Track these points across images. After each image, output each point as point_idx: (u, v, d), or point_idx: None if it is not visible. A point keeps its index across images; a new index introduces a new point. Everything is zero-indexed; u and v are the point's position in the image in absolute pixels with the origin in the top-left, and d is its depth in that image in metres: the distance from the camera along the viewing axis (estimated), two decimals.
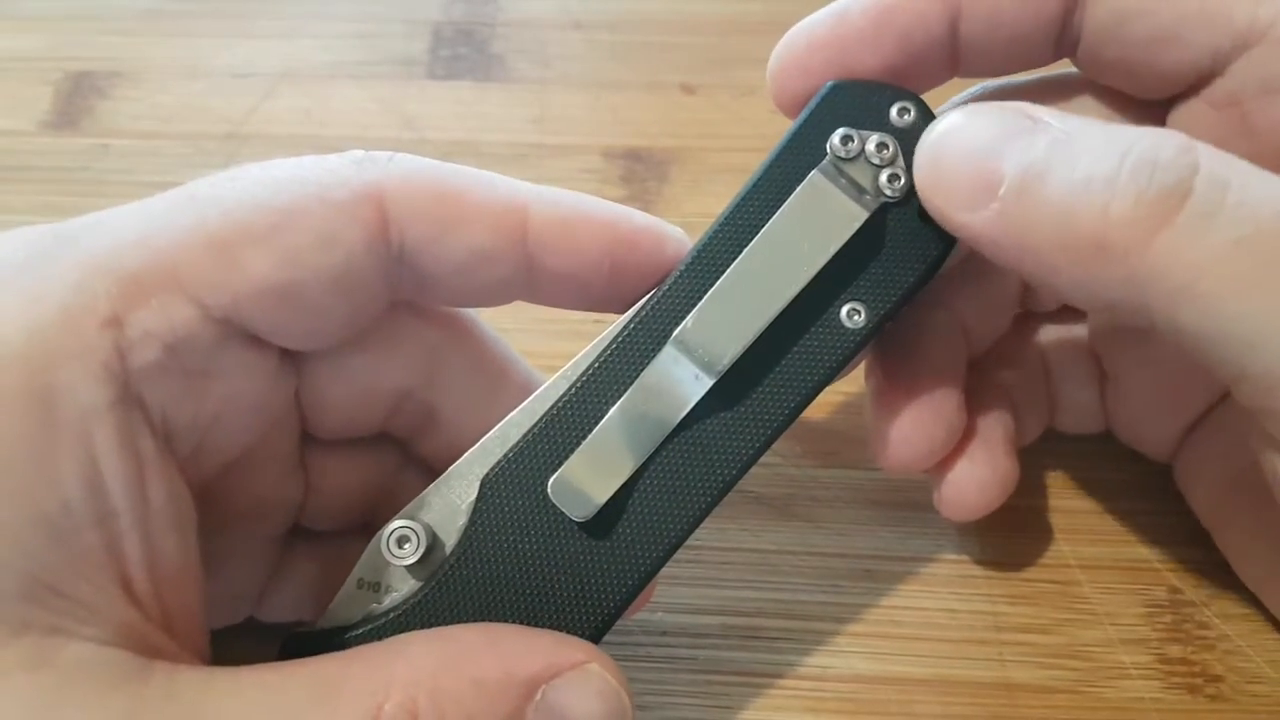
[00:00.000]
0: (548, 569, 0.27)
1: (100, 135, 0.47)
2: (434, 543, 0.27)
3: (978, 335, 0.33)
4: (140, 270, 0.24)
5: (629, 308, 0.28)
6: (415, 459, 0.31)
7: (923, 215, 0.27)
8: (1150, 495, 0.36)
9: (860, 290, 0.27)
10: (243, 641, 0.29)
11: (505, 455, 0.27)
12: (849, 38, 0.28)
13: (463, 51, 0.50)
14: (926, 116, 0.27)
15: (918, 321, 0.31)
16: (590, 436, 0.27)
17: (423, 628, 0.26)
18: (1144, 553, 0.35)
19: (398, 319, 0.29)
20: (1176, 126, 0.29)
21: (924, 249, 0.27)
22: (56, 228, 0.25)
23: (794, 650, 0.33)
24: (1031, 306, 0.34)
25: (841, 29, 0.28)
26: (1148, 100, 0.29)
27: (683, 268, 0.27)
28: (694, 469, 0.27)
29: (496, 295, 0.28)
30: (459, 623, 0.27)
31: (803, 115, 0.28)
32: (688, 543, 0.28)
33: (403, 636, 0.25)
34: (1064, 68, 0.30)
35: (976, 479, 0.32)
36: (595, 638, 0.27)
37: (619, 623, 0.28)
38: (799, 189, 0.27)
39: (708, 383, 0.27)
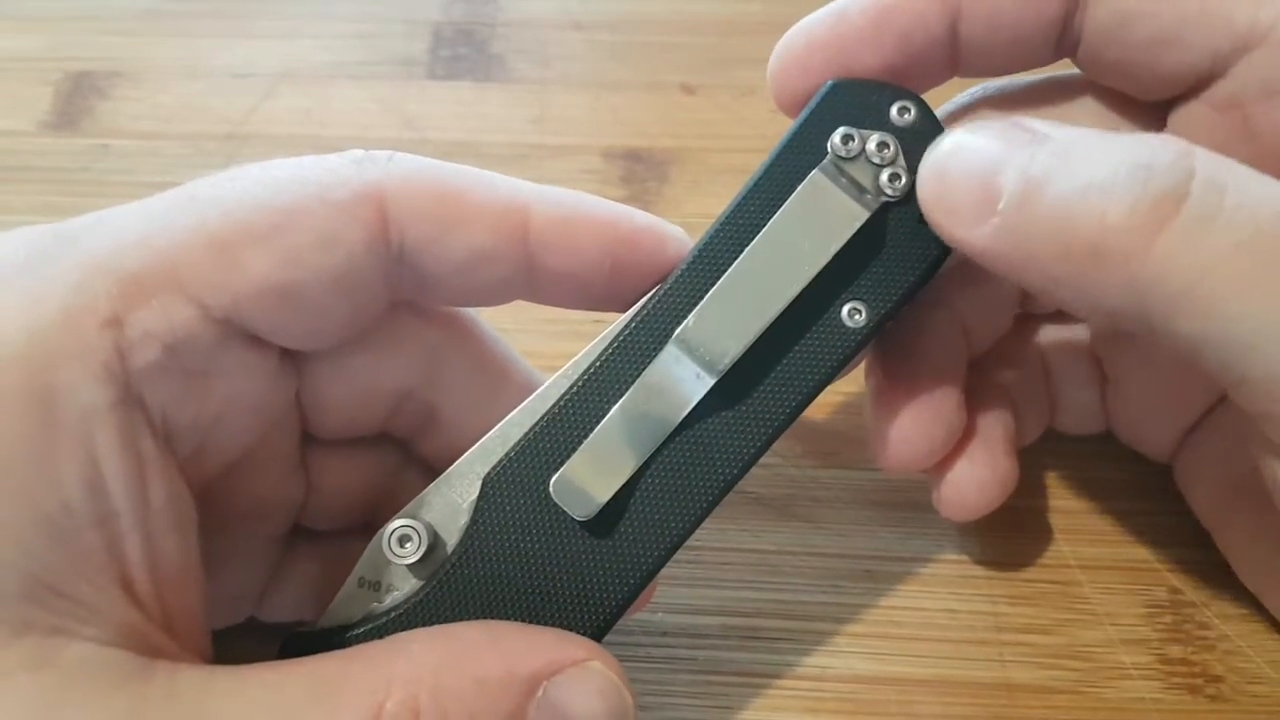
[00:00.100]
0: (549, 568, 0.27)
1: (100, 135, 0.47)
2: (435, 541, 0.27)
3: (978, 335, 0.33)
4: (141, 270, 0.24)
5: (629, 307, 0.28)
6: (416, 459, 0.31)
7: (923, 215, 0.27)
8: (1150, 495, 0.36)
9: (861, 290, 0.27)
10: (243, 641, 0.29)
11: (507, 454, 0.27)
12: (849, 37, 0.28)
13: (463, 51, 0.50)
14: (927, 116, 0.27)
15: (918, 321, 0.31)
16: (592, 435, 0.27)
17: (424, 626, 0.26)
18: (1144, 553, 0.35)
19: (398, 319, 0.29)
20: (1177, 128, 0.29)
21: (925, 248, 0.27)
22: (57, 228, 0.25)
23: (794, 650, 0.33)
24: (1032, 307, 0.34)
25: (841, 28, 0.28)
26: (1149, 101, 0.29)
27: (684, 267, 0.27)
28: (695, 468, 0.27)
29: (497, 295, 0.28)
30: (460, 621, 0.27)
31: (803, 115, 0.28)
32: (688, 543, 0.28)
33: (404, 635, 0.25)
34: (1065, 68, 0.30)
35: (976, 479, 0.32)
36: (597, 637, 0.27)
37: (619, 623, 0.28)
38: (800, 188, 0.27)
39: (709, 382, 0.27)
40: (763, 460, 0.28)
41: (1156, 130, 0.30)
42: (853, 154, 0.27)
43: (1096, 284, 0.24)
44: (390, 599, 0.27)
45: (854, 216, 0.27)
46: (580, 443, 0.27)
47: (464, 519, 0.27)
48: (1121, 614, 0.34)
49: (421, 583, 0.27)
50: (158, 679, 0.22)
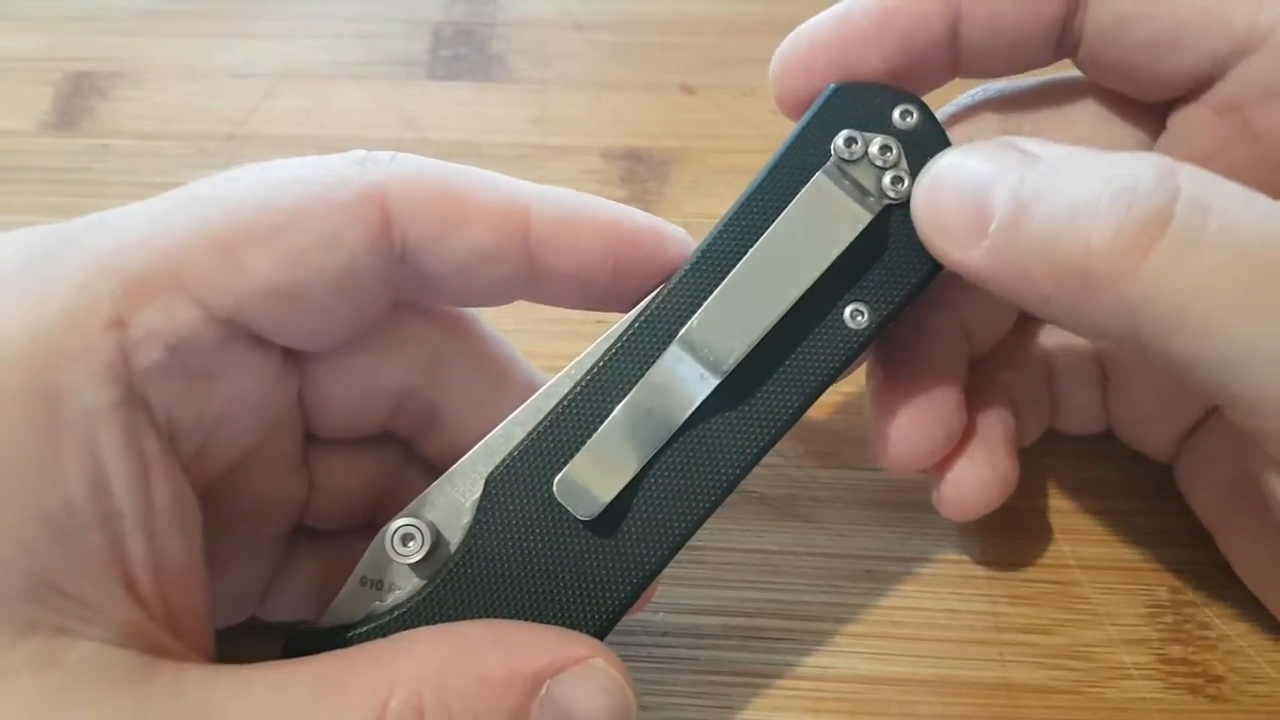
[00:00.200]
0: (552, 567, 0.27)
1: (100, 136, 0.47)
2: (438, 540, 0.27)
3: (980, 336, 0.33)
4: (144, 271, 0.24)
5: (631, 307, 0.28)
6: (418, 458, 0.31)
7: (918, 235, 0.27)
8: (1150, 495, 0.36)
9: (863, 291, 0.27)
10: (245, 642, 0.29)
11: (510, 453, 0.27)
12: (851, 39, 0.28)
13: (463, 51, 0.50)
14: (929, 119, 0.27)
15: (920, 322, 0.31)
16: (595, 435, 0.27)
17: (427, 625, 0.26)
18: (1144, 553, 0.35)
19: (400, 319, 0.29)
20: (1177, 130, 0.29)
21: (926, 251, 0.27)
22: (59, 228, 0.25)
23: (795, 650, 0.33)
24: None
25: (844, 30, 0.28)
26: (1149, 103, 0.29)
27: (687, 268, 0.27)
28: (698, 468, 0.27)
29: (499, 295, 0.28)
30: (463, 620, 0.27)
31: (806, 117, 0.28)
32: (689, 543, 0.28)
33: (408, 633, 0.25)
34: (1066, 68, 0.30)
35: (976, 479, 0.32)
36: (599, 636, 0.27)
37: (621, 622, 0.28)
38: (803, 191, 0.27)
39: (713, 382, 0.27)
40: (764, 460, 0.28)
41: (1156, 133, 0.30)
42: (855, 157, 0.27)
43: (1086, 305, 0.24)
44: (392, 598, 0.27)
45: (857, 219, 0.27)
46: (584, 442, 0.27)
47: (466, 518, 0.27)
48: (1122, 614, 0.34)
49: (424, 582, 0.27)
50: (162, 678, 0.22)
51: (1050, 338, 0.35)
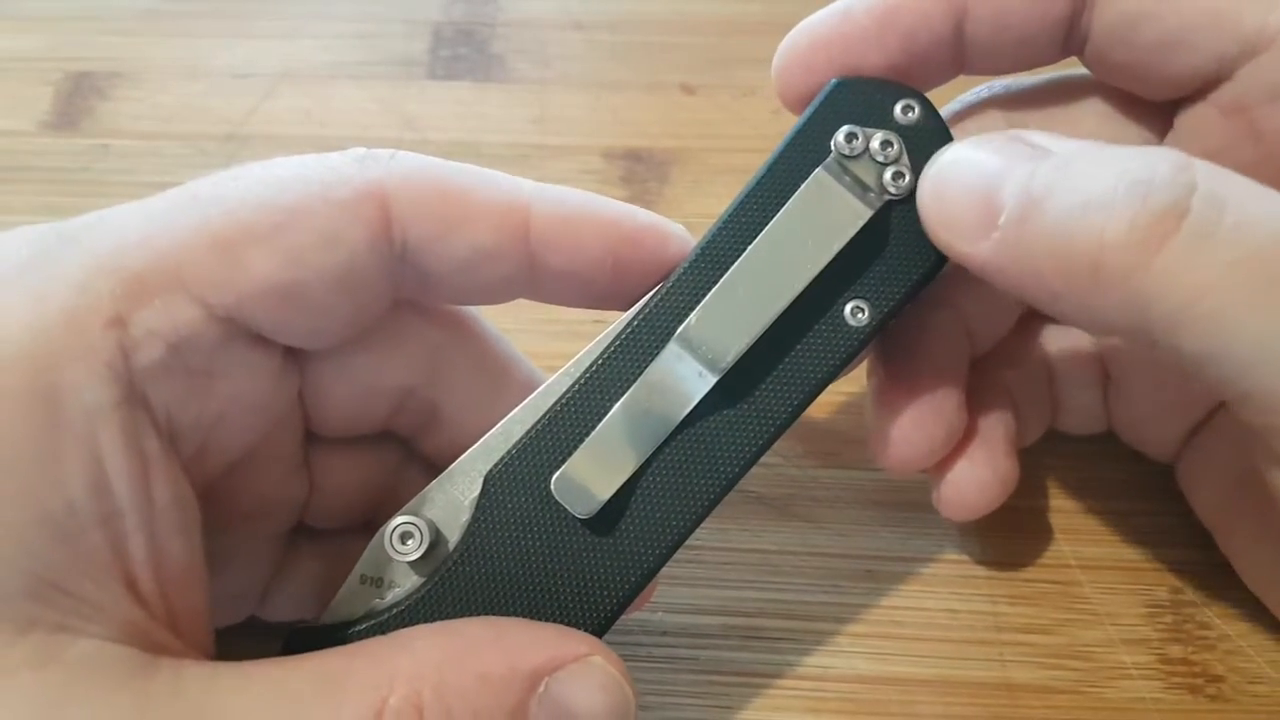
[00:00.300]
0: (550, 565, 0.27)
1: (100, 135, 0.47)
2: (437, 538, 0.27)
3: (981, 335, 0.33)
4: (144, 270, 0.24)
5: (631, 306, 0.28)
6: (418, 456, 0.31)
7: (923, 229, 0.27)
8: (1150, 495, 0.36)
9: (864, 288, 0.27)
10: (244, 641, 0.29)
11: (509, 451, 0.27)
12: (853, 36, 0.28)
13: (463, 51, 0.50)
14: (931, 115, 0.27)
15: (921, 321, 0.31)
16: (594, 433, 0.27)
17: (426, 623, 0.26)
18: (1144, 553, 0.35)
19: (400, 317, 0.29)
20: (1184, 129, 0.29)
21: (928, 247, 0.27)
22: (59, 226, 0.25)
23: (795, 650, 0.33)
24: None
25: (846, 27, 0.28)
26: (1156, 102, 0.29)
27: (686, 265, 0.27)
28: (697, 466, 0.27)
29: (499, 293, 0.28)
30: (462, 618, 0.27)
31: (807, 113, 0.28)
32: (688, 542, 0.28)
33: (407, 631, 0.25)
34: (1073, 66, 0.30)
35: (976, 479, 0.32)
36: (598, 634, 0.27)
37: (619, 622, 0.28)
38: (803, 186, 0.27)
39: (711, 380, 0.27)
40: (763, 460, 0.28)
41: (1163, 132, 0.30)
42: (856, 152, 0.27)
43: (1097, 300, 0.24)
44: (392, 596, 0.27)
45: (857, 215, 0.27)
46: (582, 441, 0.27)
47: (465, 516, 0.27)
48: (1122, 614, 0.34)
49: (423, 579, 0.27)
50: (162, 676, 0.22)
51: (1052, 338, 0.35)
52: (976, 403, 0.32)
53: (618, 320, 0.28)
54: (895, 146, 0.27)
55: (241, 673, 0.23)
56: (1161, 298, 0.23)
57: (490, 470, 0.27)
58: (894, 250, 0.27)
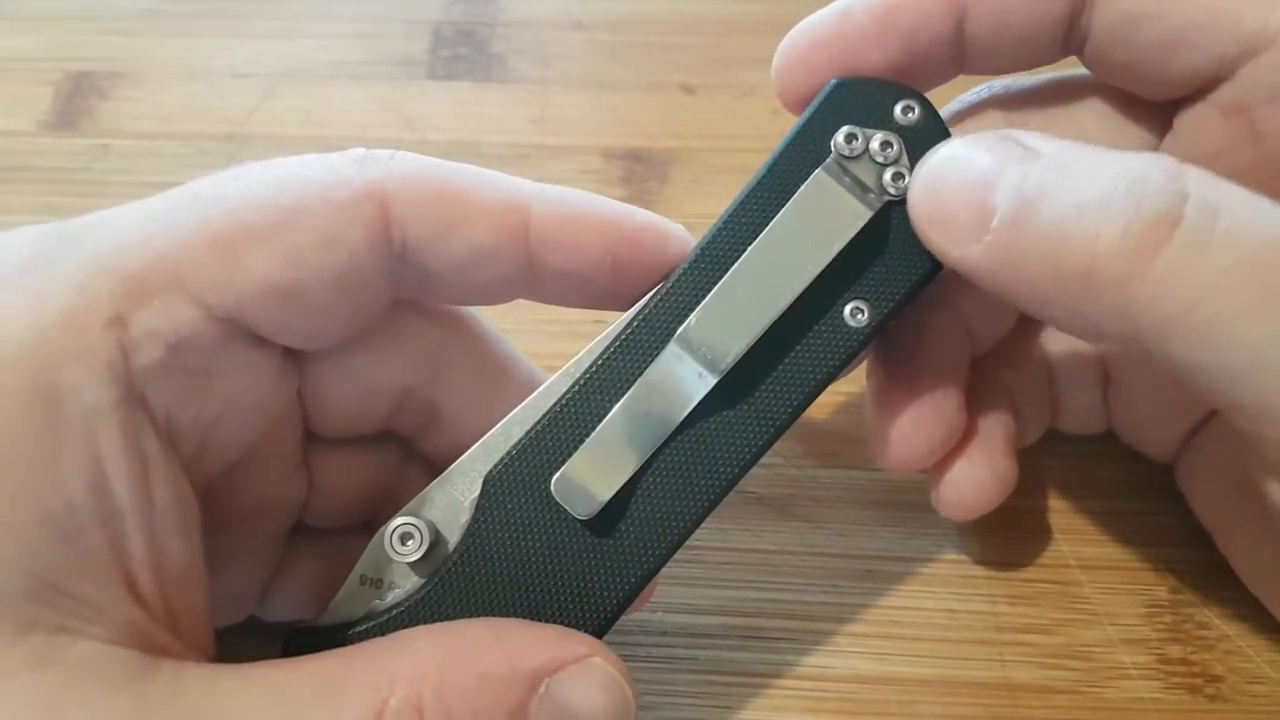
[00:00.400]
0: (550, 566, 0.27)
1: (100, 135, 0.47)
2: (437, 539, 0.27)
3: (981, 335, 0.33)
4: (143, 270, 0.24)
5: (631, 306, 0.28)
6: (418, 456, 0.31)
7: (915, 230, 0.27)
8: (1150, 495, 0.36)
9: (864, 289, 0.27)
10: (244, 641, 0.29)
11: (509, 452, 0.27)
12: (853, 35, 0.28)
13: (463, 51, 0.50)
14: (931, 115, 0.27)
15: (920, 321, 0.31)
16: (594, 434, 0.27)
17: (426, 624, 0.26)
18: (1144, 553, 0.35)
19: (400, 317, 0.29)
20: (1183, 130, 0.29)
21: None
22: (59, 227, 0.25)
23: (794, 650, 0.33)
24: None
25: (846, 27, 0.28)
26: (1156, 102, 0.29)
27: (686, 265, 0.27)
28: (697, 467, 0.27)
29: (498, 293, 0.28)
30: (462, 619, 0.27)
31: (807, 113, 0.28)
32: (688, 542, 0.28)
33: (407, 632, 0.25)
34: (1073, 65, 0.30)
35: (975, 479, 0.32)
36: (598, 634, 0.27)
37: (619, 622, 0.28)
38: (803, 187, 0.27)
39: (711, 381, 0.27)
40: (763, 460, 0.28)
41: (1162, 132, 0.30)
42: (856, 153, 0.27)
43: (1089, 307, 0.24)
44: (392, 596, 0.27)
45: (857, 216, 0.27)
46: (582, 441, 0.27)
47: (465, 517, 0.27)
48: (1121, 614, 0.34)
49: (423, 580, 0.27)
50: (162, 677, 0.22)
51: (1052, 338, 0.35)
52: (976, 403, 0.32)
53: (617, 321, 0.28)
54: (895, 147, 0.27)
55: (241, 674, 0.23)
56: (1154, 305, 0.23)
57: (490, 471, 0.27)
58: (894, 251, 0.27)
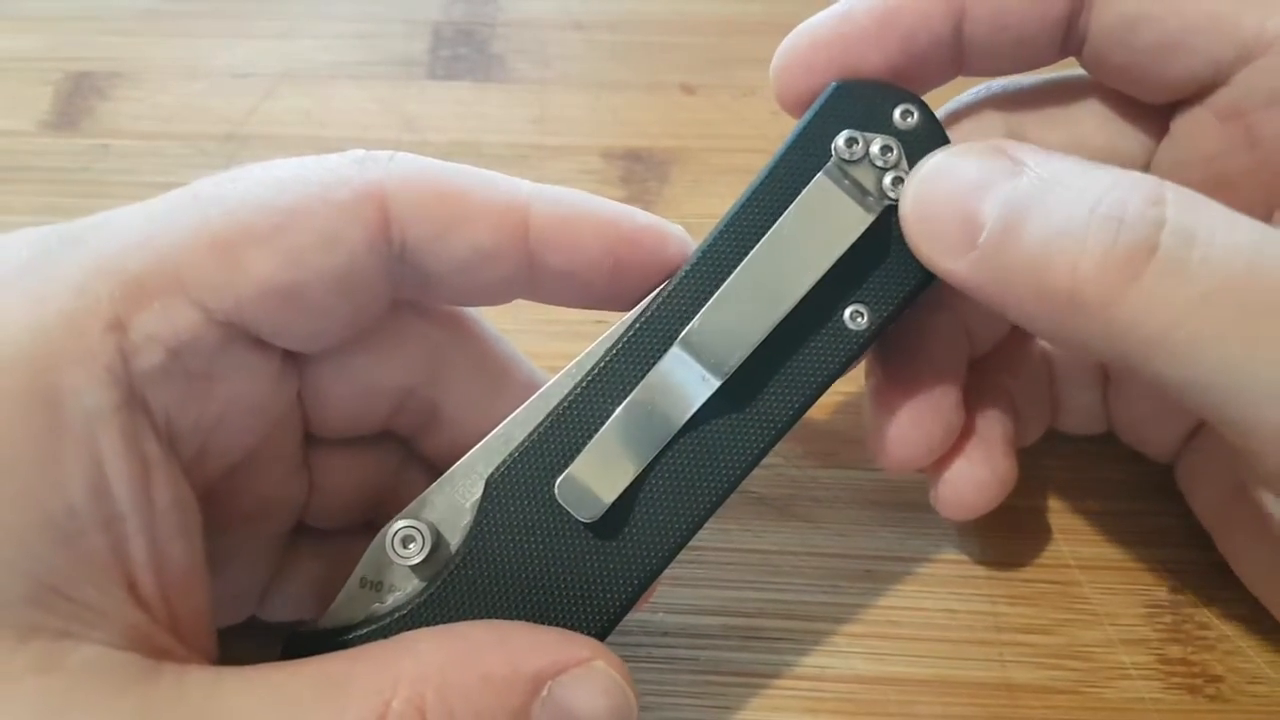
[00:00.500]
0: (553, 569, 0.27)
1: (100, 136, 0.47)
2: (438, 542, 0.27)
3: (980, 337, 0.33)
4: (143, 273, 0.24)
5: (631, 306, 0.28)
6: (418, 457, 0.31)
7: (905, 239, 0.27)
8: (1150, 495, 0.36)
9: (864, 293, 0.27)
10: (244, 642, 0.29)
11: (511, 454, 0.27)
12: (853, 37, 0.28)
13: (463, 51, 0.50)
14: (929, 120, 0.27)
15: (920, 323, 0.31)
16: (597, 437, 0.27)
17: (428, 626, 0.26)
18: (1144, 553, 0.35)
19: (400, 318, 0.29)
20: (1180, 133, 0.29)
21: None
22: (59, 228, 0.25)
23: (794, 650, 0.33)
24: None
25: (845, 28, 0.28)
26: (1153, 104, 0.29)
27: (688, 268, 0.27)
28: (699, 469, 0.27)
29: (498, 293, 0.28)
30: (465, 621, 0.27)
31: (807, 116, 0.28)
32: (688, 543, 0.28)
33: (410, 634, 0.25)
34: (1071, 65, 0.30)
35: (974, 479, 0.32)
36: (600, 636, 0.27)
37: (620, 623, 0.28)
38: (805, 191, 0.27)
39: (714, 384, 0.27)
40: (763, 461, 0.28)
41: (1160, 134, 0.30)
42: (856, 157, 0.27)
43: (1073, 326, 0.24)
44: (392, 599, 0.27)
45: (858, 220, 0.27)
46: (585, 444, 0.27)
47: (467, 519, 0.27)
48: (1121, 614, 0.34)
49: (424, 583, 0.27)
50: (165, 680, 0.22)
51: None
52: (975, 403, 0.32)
53: (618, 322, 0.28)
54: (895, 152, 0.27)
55: (244, 677, 0.23)
56: (1135, 327, 0.23)
57: (492, 473, 0.27)
58: (894, 255, 0.27)
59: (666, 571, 0.28)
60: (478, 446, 0.28)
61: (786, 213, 0.27)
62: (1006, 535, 0.35)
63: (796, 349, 0.27)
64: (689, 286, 0.27)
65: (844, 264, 0.27)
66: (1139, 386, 0.33)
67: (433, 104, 0.48)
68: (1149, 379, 0.24)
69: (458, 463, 0.28)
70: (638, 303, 0.28)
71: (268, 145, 0.46)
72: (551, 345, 0.35)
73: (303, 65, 0.50)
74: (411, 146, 0.41)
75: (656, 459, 0.27)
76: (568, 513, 0.27)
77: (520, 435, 0.27)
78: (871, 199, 0.27)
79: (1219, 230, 0.23)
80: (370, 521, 0.31)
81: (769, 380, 0.27)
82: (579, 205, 0.27)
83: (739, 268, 0.27)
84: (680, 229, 0.28)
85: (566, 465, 0.27)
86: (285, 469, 0.29)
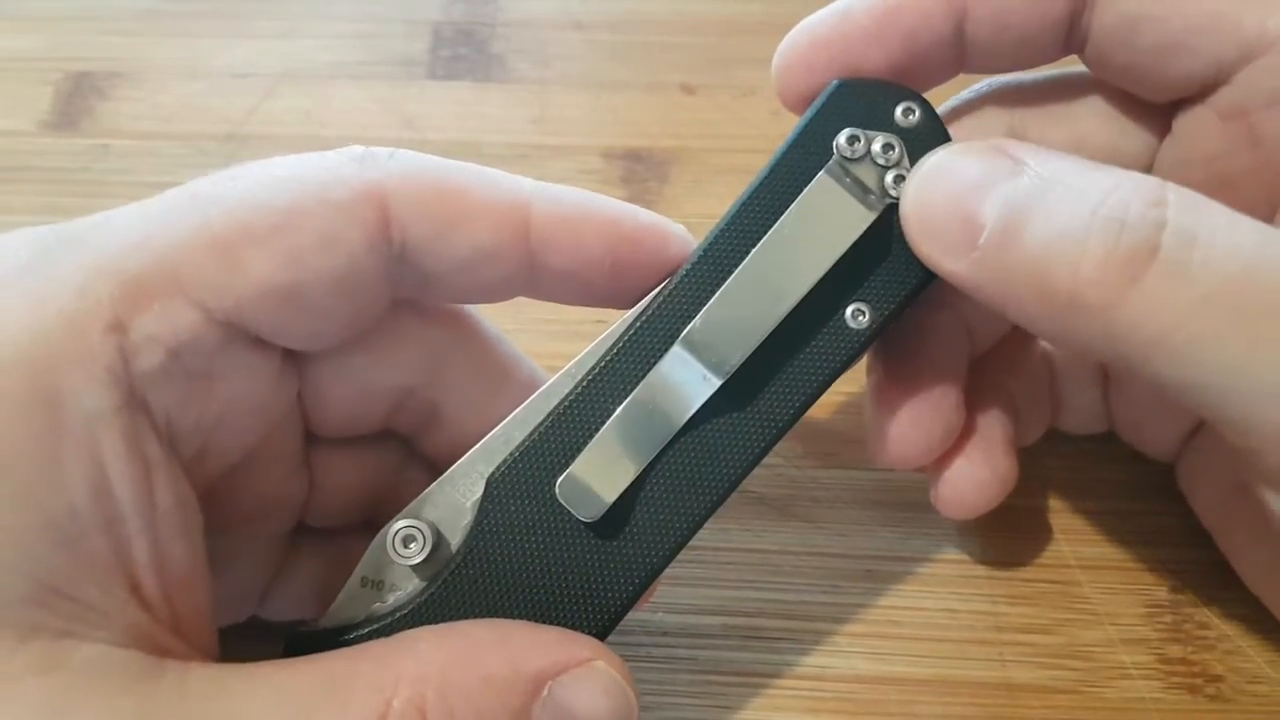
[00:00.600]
0: (553, 568, 0.27)
1: (100, 136, 0.47)
2: (439, 541, 0.27)
3: (981, 335, 0.33)
4: (142, 273, 0.24)
5: (632, 305, 0.28)
6: (419, 456, 0.31)
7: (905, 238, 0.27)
8: (1150, 495, 0.36)
9: (865, 291, 0.27)
10: (244, 642, 0.29)
11: (511, 454, 0.27)
12: (853, 35, 0.28)
13: (463, 51, 0.50)
14: (931, 118, 0.27)
15: (921, 321, 0.31)
16: (597, 436, 0.27)
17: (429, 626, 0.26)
18: (1144, 553, 0.35)
19: (399, 317, 0.28)
20: (1182, 132, 0.29)
21: None
22: (58, 228, 0.24)
23: (794, 650, 0.33)
24: None
25: (846, 27, 0.28)
26: (1155, 103, 0.29)
27: (689, 267, 0.27)
28: (700, 468, 0.27)
29: (498, 292, 0.28)
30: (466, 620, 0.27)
31: (808, 114, 0.28)
32: (689, 543, 0.28)
33: (411, 632, 0.25)
34: (1073, 63, 0.30)
35: (974, 478, 0.32)
36: (600, 636, 0.27)
37: (620, 622, 0.28)
38: (806, 190, 0.27)
39: (716, 383, 0.27)
40: (764, 461, 0.28)
41: (1162, 132, 0.30)
42: (858, 155, 0.27)
43: (1074, 327, 0.24)
44: (393, 598, 0.27)
45: (860, 218, 0.27)
46: (585, 443, 0.27)
47: (467, 518, 0.27)
48: (1121, 614, 0.34)
49: (424, 583, 0.27)
50: (167, 679, 0.22)
51: None
52: (976, 402, 0.32)
53: (618, 321, 0.28)
54: (897, 150, 0.27)
55: (246, 675, 0.23)
56: (1135, 329, 0.23)
57: (492, 473, 0.27)
58: (895, 254, 0.27)
59: (667, 571, 0.28)
60: (478, 446, 0.28)
61: (788, 211, 0.27)
62: (1007, 535, 0.35)
63: (797, 348, 0.27)
64: (690, 285, 0.27)
65: (845, 262, 0.27)
66: (1139, 386, 0.33)
67: (433, 104, 0.48)
68: (1149, 380, 0.24)
69: (458, 462, 0.28)
70: (639, 301, 0.28)
71: (268, 145, 0.46)
72: (552, 345, 0.35)
73: (303, 65, 0.50)
74: (411, 146, 0.40)
75: (657, 458, 0.27)
76: (568, 512, 0.27)
77: (521, 434, 0.27)
78: (873, 197, 0.27)
79: (1220, 231, 0.23)
80: (371, 521, 0.31)
81: (770, 379, 0.27)
82: (580, 204, 0.27)
83: (740, 266, 0.27)
84: (681, 228, 0.28)
85: (567, 464, 0.27)
86: (286, 468, 0.29)
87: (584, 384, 0.27)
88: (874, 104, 0.27)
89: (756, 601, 0.34)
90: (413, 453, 0.31)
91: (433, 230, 0.26)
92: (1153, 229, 0.23)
